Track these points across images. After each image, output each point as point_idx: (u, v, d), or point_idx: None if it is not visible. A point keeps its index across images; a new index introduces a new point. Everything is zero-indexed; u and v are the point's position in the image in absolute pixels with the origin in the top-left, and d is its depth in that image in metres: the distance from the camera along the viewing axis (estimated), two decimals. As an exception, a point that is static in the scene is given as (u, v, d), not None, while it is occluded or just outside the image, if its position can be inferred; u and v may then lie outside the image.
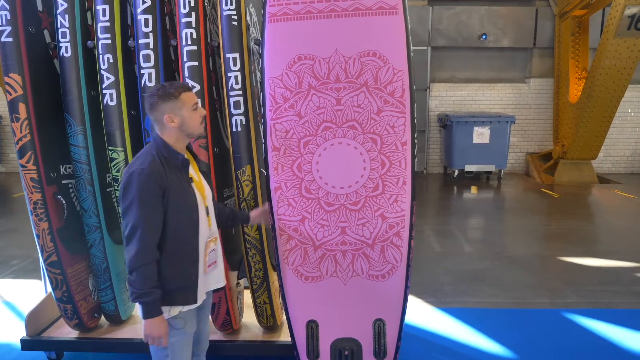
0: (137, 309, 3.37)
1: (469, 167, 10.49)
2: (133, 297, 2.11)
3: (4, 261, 5.47)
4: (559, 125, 10.81)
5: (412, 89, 2.49)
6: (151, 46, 2.81)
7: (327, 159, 2.55)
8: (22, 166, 2.88)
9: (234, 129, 2.82)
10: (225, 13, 2.74)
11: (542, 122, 11.57)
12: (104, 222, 3.09)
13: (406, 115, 2.51)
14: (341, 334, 2.76)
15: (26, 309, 3.36)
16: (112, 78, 2.86)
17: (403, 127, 2.52)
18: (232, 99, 2.79)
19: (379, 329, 2.72)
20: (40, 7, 2.92)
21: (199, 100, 2.24)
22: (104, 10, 2.81)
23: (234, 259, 3.16)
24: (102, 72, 2.85)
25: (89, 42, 2.92)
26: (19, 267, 5.27)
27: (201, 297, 2.32)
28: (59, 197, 3.02)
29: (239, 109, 2.80)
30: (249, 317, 3.41)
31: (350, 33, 2.45)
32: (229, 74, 2.77)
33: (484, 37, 11.20)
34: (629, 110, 11.51)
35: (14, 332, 3.73)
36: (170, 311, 2.21)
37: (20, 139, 2.84)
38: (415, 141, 2.54)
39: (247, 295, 3.59)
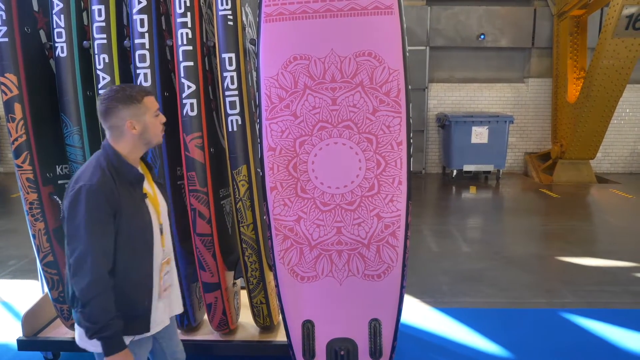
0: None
1: (467, 167, 10.49)
2: (90, 334, 1.84)
3: (1, 261, 5.46)
4: (558, 125, 10.82)
5: (408, 88, 2.49)
6: (147, 46, 2.81)
7: (323, 159, 2.55)
8: (18, 166, 2.87)
9: (230, 129, 2.82)
10: (220, 13, 2.74)
11: (540, 122, 11.58)
12: (100, 222, 3.08)
13: (402, 115, 2.50)
14: (337, 333, 2.75)
15: (23, 309, 3.36)
16: (108, 78, 2.85)
17: (399, 126, 2.52)
18: (228, 99, 2.79)
19: (374, 328, 2.72)
20: (35, 7, 2.92)
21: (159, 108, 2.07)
22: (99, 10, 2.80)
23: (230, 259, 3.16)
24: (98, 72, 2.85)
25: (84, 42, 2.92)
26: (17, 268, 5.26)
27: (156, 325, 2.09)
28: (55, 197, 3.01)
29: (235, 109, 2.80)
30: (245, 317, 3.40)
31: (346, 33, 2.45)
32: (225, 74, 2.77)
33: (482, 37, 11.20)
34: (627, 110, 11.51)
35: (10, 332, 3.73)
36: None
37: (16, 139, 2.84)
38: (411, 141, 2.54)
39: (243, 295, 3.58)
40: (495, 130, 10.27)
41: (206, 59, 2.93)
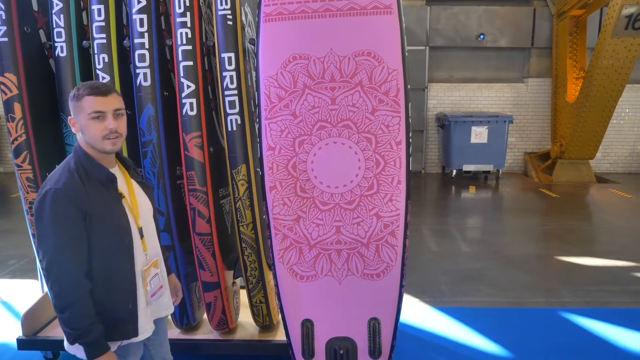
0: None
1: (467, 167, 10.50)
2: (71, 339, 1.80)
3: (1, 261, 5.46)
4: (557, 125, 10.82)
5: (407, 88, 2.49)
6: (146, 46, 2.82)
7: (322, 158, 2.55)
8: (18, 166, 2.88)
9: (230, 129, 2.83)
10: (220, 13, 2.75)
11: (540, 122, 11.58)
12: (100, 222, 3.08)
13: (401, 115, 2.51)
14: (336, 333, 2.76)
15: (22, 309, 3.36)
16: (108, 78, 2.86)
17: (398, 126, 2.52)
18: (227, 99, 2.80)
19: (374, 328, 2.72)
20: (35, 7, 2.92)
21: (111, 111, 1.88)
22: (99, 10, 2.81)
23: (229, 259, 3.17)
24: (98, 71, 2.85)
25: (84, 41, 2.92)
26: (16, 267, 5.27)
27: (145, 329, 2.02)
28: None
29: (235, 108, 2.81)
30: (245, 316, 3.41)
31: (345, 33, 2.46)
32: (224, 74, 2.78)
33: (481, 37, 11.21)
34: (627, 110, 11.52)
35: (10, 332, 3.73)
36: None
37: (15, 139, 2.85)
38: (410, 140, 2.54)
39: (243, 294, 3.59)
40: (494, 130, 10.27)
41: (206, 58, 2.93)
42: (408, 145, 2.53)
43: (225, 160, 2.92)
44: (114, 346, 1.93)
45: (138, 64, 2.83)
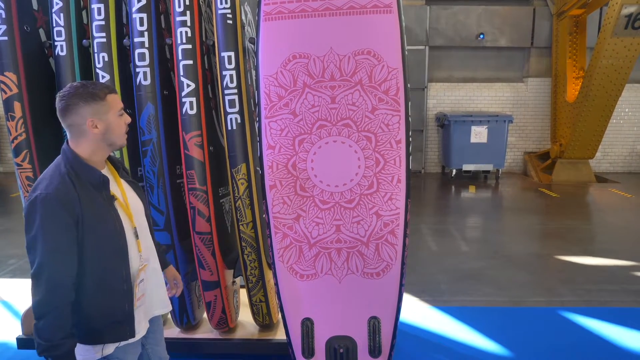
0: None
1: (466, 167, 10.50)
2: (40, 350, 1.73)
3: (1, 260, 5.46)
4: (557, 124, 10.83)
5: (407, 87, 2.50)
6: (146, 45, 2.82)
7: (322, 157, 2.55)
8: (18, 165, 2.88)
9: (229, 128, 2.83)
10: (220, 12, 2.75)
11: (539, 122, 11.59)
12: (100, 221, 3.09)
13: (401, 114, 2.51)
14: (336, 331, 2.76)
15: (22, 308, 3.36)
16: (108, 77, 2.86)
17: (397, 125, 2.52)
18: (227, 98, 2.80)
19: (374, 326, 2.73)
20: (35, 6, 2.92)
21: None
22: (99, 9, 2.81)
23: (229, 258, 3.17)
24: (98, 70, 2.85)
25: (84, 40, 2.92)
26: (16, 267, 5.27)
27: (140, 328, 2.00)
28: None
29: (234, 107, 2.81)
30: (244, 315, 3.41)
31: (345, 31, 2.46)
32: (224, 73, 2.78)
33: (481, 36, 11.21)
34: (627, 110, 11.53)
35: (10, 331, 3.73)
36: (104, 350, 1.89)
37: (15, 138, 2.85)
38: (410, 139, 2.55)
39: (242, 293, 3.59)
40: (494, 129, 10.28)
41: (205, 57, 2.93)
42: (408, 144, 2.53)
43: (225, 159, 2.92)
44: (111, 348, 1.91)
45: (138, 63, 2.83)
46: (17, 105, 2.81)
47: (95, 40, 2.84)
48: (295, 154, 2.56)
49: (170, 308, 2.24)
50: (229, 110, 2.81)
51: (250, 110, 2.95)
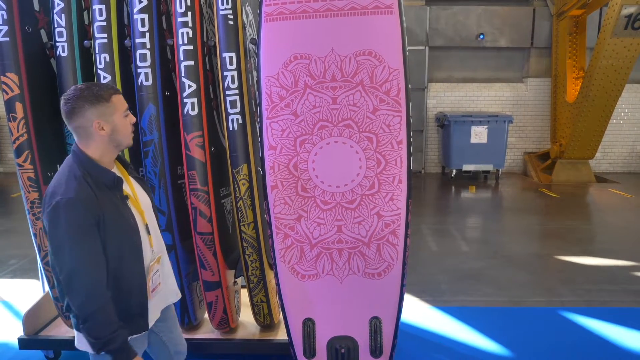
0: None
1: (466, 167, 10.51)
2: (97, 348, 1.79)
3: (1, 261, 5.47)
4: (557, 124, 10.84)
5: (408, 87, 2.50)
6: (148, 45, 2.82)
7: (323, 157, 2.56)
8: (19, 165, 2.88)
9: (231, 128, 2.83)
10: (221, 12, 2.75)
11: (539, 122, 11.60)
12: (101, 221, 3.09)
13: (402, 114, 2.52)
14: (337, 332, 2.76)
15: (24, 308, 3.36)
16: (109, 77, 2.86)
17: (399, 125, 2.53)
18: (228, 98, 2.80)
19: (375, 327, 2.73)
20: (36, 7, 2.93)
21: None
22: (100, 9, 2.81)
23: (230, 258, 3.17)
24: (99, 71, 2.86)
25: (85, 41, 2.93)
26: (17, 267, 5.27)
27: (153, 319, 2.09)
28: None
29: (236, 108, 2.81)
30: (246, 315, 3.42)
31: (346, 32, 2.46)
32: (226, 73, 2.78)
33: (481, 37, 11.22)
34: (627, 110, 11.54)
35: (11, 331, 3.73)
36: None
37: (17, 138, 2.85)
38: (411, 140, 2.55)
39: (244, 293, 3.60)
40: (494, 130, 10.29)
41: (207, 58, 2.94)
42: (409, 144, 2.54)
43: (226, 159, 2.93)
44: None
45: (139, 64, 2.83)
46: (18, 106, 2.81)
47: (97, 41, 2.84)
48: (297, 154, 2.56)
49: (180, 296, 2.31)
50: (230, 110, 2.82)
51: (252, 110, 2.96)
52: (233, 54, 2.77)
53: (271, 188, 2.61)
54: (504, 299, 4.54)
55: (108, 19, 2.83)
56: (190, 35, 2.79)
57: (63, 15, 2.86)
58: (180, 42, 2.79)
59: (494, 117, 10.28)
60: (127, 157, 2.94)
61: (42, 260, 3.02)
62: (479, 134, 10.30)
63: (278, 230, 2.64)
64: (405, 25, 2.49)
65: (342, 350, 2.76)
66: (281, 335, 3.24)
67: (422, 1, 11.18)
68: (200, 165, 2.87)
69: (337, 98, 2.51)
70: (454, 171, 10.68)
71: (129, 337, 1.94)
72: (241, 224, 2.94)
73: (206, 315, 3.39)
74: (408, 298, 4.38)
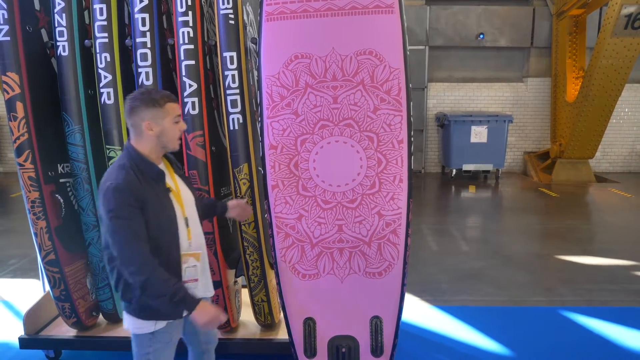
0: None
1: (466, 167, 10.52)
2: (166, 303, 1.99)
3: (1, 260, 5.47)
4: (557, 124, 10.84)
5: (409, 87, 2.50)
6: (148, 45, 2.82)
7: (324, 157, 2.56)
8: (20, 165, 2.88)
9: (231, 128, 2.83)
10: (222, 12, 2.75)
11: (539, 122, 11.60)
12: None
13: (402, 114, 2.52)
14: (338, 331, 2.76)
15: (24, 308, 3.37)
16: (110, 77, 2.86)
17: (399, 125, 2.53)
18: (229, 98, 2.80)
19: (376, 326, 2.73)
20: (37, 6, 2.93)
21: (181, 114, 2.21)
22: (101, 9, 2.81)
23: (231, 258, 3.17)
24: (100, 70, 2.86)
25: (86, 41, 2.93)
26: (17, 267, 5.27)
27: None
28: (57, 195, 3.02)
29: (236, 107, 2.81)
30: (246, 315, 3.42)
31: (347, 32, 2.46)
32: (226, 73, 2.78)
33: (481, 36, 11.22)
34: (626, 110, 11.54)
35: (12, 331, 3.74)
36: (157, 324, 2.13)
37: (17, 138, 2.85)
38: (412, 139, 2.55)
39: (244, 293, 3.60)
40: (494, 129, 10.29)
41: (207, 57, 2.94)
42: (410, 143, 2.54)
43: (227, 159, 2.93)
44: (162, 324, 2.14)
45: (140, 63, 2.83)
46: (19, 106, 2.82)
47: (98, 41, 2.84)
48: (297, 154, 2.56)
49: (213, 293, 2.42)
50: (231, 110, 2.82)
51: (252, 110, 2.96)
52: (234, 54, 2.77)
53: (272, 187, 2.61)
54: (504, 298, 4.55)
55: (109, 19, 2.83)
56: (191, 35, 2.79)
57: (64, 15, 2.86)
58: (181, 41, 2.79)
59: (493, 116, 10.29)
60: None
61: (43, 259, 3.02)
62: (479, 134, 10.30)
63: (279, 229, 2.64)
64: (406, 24, 2.50)
65: (343, 350, 2.76)
66: (282, 334, 3.24)
67: (422, 1, 11.18)
68: (201, 164, 2.87)
69: (337, 97, 2.51)
70: (454, 171, 10.69)
71: (165, 322, 2.14)
72: (242, 223, 2.95)
73: (207, 314, 3.39)
74: (408, 298, 4.39)
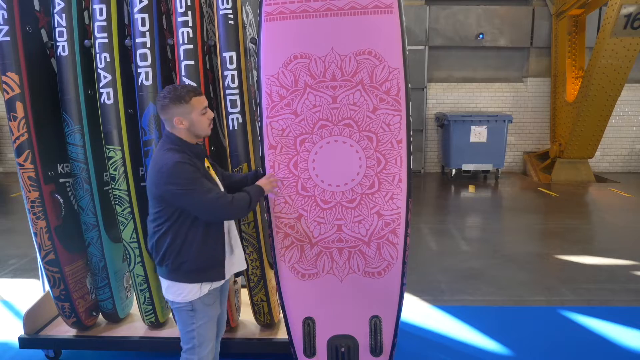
0: (135, 307, 3.39)
1: (466, 167, 10.52)
2: (254, 203, 2.38)
3: (1, 260, 5.47)
4: (556, 124, 10.84)
5: (408, 87, 2.51)
6: (148, 45, 2.82)
7: (324, 157, 2.57)
8: (20, 165, 2.88)
9: (231, 128, 2.84)
10: (221, 12, 2.76)
11: (539, 121, 11.60)
12: (102, 221, 3.10)
13: (402, 114, 2.52)
14: (338, 331, 2.77)
15: (24, 308, 3.37)
16: (109, 77, 2.87)
17: (399, 125, 2.53)
18: (228, 98, 2.81)
19: (375, 325, 2.74)
20: (37, 7, 2.93)
21: (207, 105, 2.37)
22: (100, 9, 2.82)
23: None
24: (99, 71, 2.86)
25: (86, 41, 2.94)
26: (17, 267, 5.27)
27: (227, 274, 2.47)
28: (57, 195, 3.03)
29: (236, 107, 2.82)
30: (246, 314, 3.42)
31: (346, 32, 2.47)
32: (226, 73, 2.79)
33: (481, 36, 11.22)
34: (626, 110, 11.55)
35: (12, 331, 3.74)
36: (202, 288, 2.37)
37: (17, 138, 2.85)
38: (411, 139, 2.56)
39: (244, 293, 3.60)
40: (494, 129, 10.29)
41: (207, 57, 2.94)
42: (409, 143, 2.55)
43: (226, 159, 2.93)
44: (206, 288, 2.38)
45: (139, 63, 2.84)
46: (19, 106, 2.82)
47: (97, 41, 2.85)
48: (297, 153, 2.57)
49: (246, 266, 2.63)
50: (230, 110, 2.82)
51: (252, 110, 2.96)
52: (233, 54, 2.77)
53: (271, 187, 2.61)
54: (503, 298, 4.55)
55: (108, 19, 2.84)
56: (191, 35, 2.79)
57: (63, 15, 2.86)
58: (181, 41, 2.79)
59: (493, 116, 10.29)
60: (127, 156, 2.94)
61: (42, 259, 3.02)
62: (478, 134, 10.30)
63: (278, 229, 2.65)
64: (405, 24, 2.50)
65: (342, 349, 2.77)
66: (281, 334, 3.24)
67: (422, 1, 11.18)
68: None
69: (337, 97, 2.51)
70: (454, 171, 10.69)
71: (210, 285, 2.39)
72: (241, 223, 2.95)
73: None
74: (408, 297, 4.39)
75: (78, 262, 3.17)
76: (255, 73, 3.05)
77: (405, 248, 2.64)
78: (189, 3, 2.77)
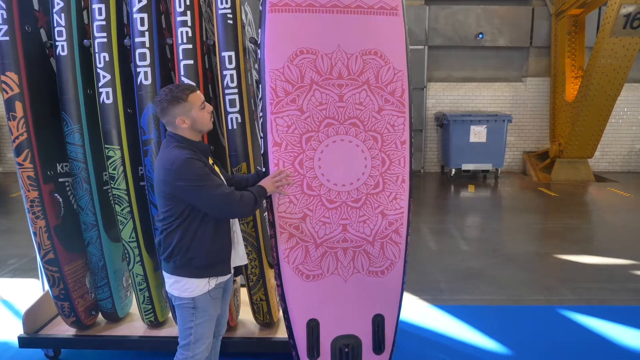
0: (135, 307, 3.39)
1: (466, 166, 10.52)
2: (259, 202, 2.40)
3: (1, 260, 5.45)
4: (556, 124, 10.85)
5: (410, 89, 2.51)
6: (147, 45, 2.82)
7: (329, 155, 2.54)
8: (19, 164, 2.87)
9: (230, 127, 2.83)
10: (220, 12, 2.75)
11: (538, 121, 11.61)
12: (101, 220, 3.09)
13: (405, 115, 2.52)
14: (342, 331, 2.74)
15: (23, 307, 3.36)
16: (108, 76, 2.86)
17: (403, 126, 2.53)
18: (227, 97, 2.80)
19: (378, 324, 2.73)
20: (36, 6, 2.92)
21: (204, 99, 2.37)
22: (100, 9, 2.81)
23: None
24: (99, 70, 2.85)
25: (85, 40, 2.92)
26: (17, 266, 5.26)
27: (231, 269, 2.51)
28: (56, 195, 3.02)
29: (235, 107, 2.81)
30: (245, 314, 3.41)
31: (352, 30, 2.45)
32: (225, 72, 2.78)
33: (480, 36, 11.23)
34: (625, 109, 11.55)
35: (11, 330, 3.73)
36: (210, 282, 2.39)
37: (17, 137, 2.84)
38: (412, 140, 2.56)
39: (243, 292, 3.59)
40: (493, 129, 10.29)
41: (206, 57, 2.93)
42: (411, 145, 2.55)
43: (225, 158, 2.92)
44: (213, 282, 2.41)
45: (139, 63, 2.83)
46: (18, 105, 2.81)
47: (96, 40, 2.84)
48: (303, 152, 2.53)
49: (247, 261, 2.69)
50: (229, 109, 2.81)
51: (251, 109, 2.95)
52: (232, 53, 2.76)
53: (276, 186, 2.59)
54: (503, 297, 4.55)
55: (107, 18, 2.83)
56: (190, 35, 2.78)
57: (63, 15, 2.85)
58: (180, 41, 2.78)
59: (493, 116, 10.29)
60: (127, 155, 2.93)
61: (42, 258, 3.01)
62: (478, 134, 10.30)
63: (282, 229, 2.59)
64: (407, 26, 2.50)
65: (346, 349, 2.75)
66: (280, 333, 3.23)
67: (422, 0, 11.18)
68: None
69: (343, 96, 2.49)
70: (453, 170, 10.69)
71: (217, 281, 2.42)
72: (241, 222, 2.94)
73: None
74: (407, 296, 4.38)
75: (77, 261, 3.16)
76: (254, 72, 3.04)
77: (406, 247, 2.64)
78: (188, 3, 2.76)
